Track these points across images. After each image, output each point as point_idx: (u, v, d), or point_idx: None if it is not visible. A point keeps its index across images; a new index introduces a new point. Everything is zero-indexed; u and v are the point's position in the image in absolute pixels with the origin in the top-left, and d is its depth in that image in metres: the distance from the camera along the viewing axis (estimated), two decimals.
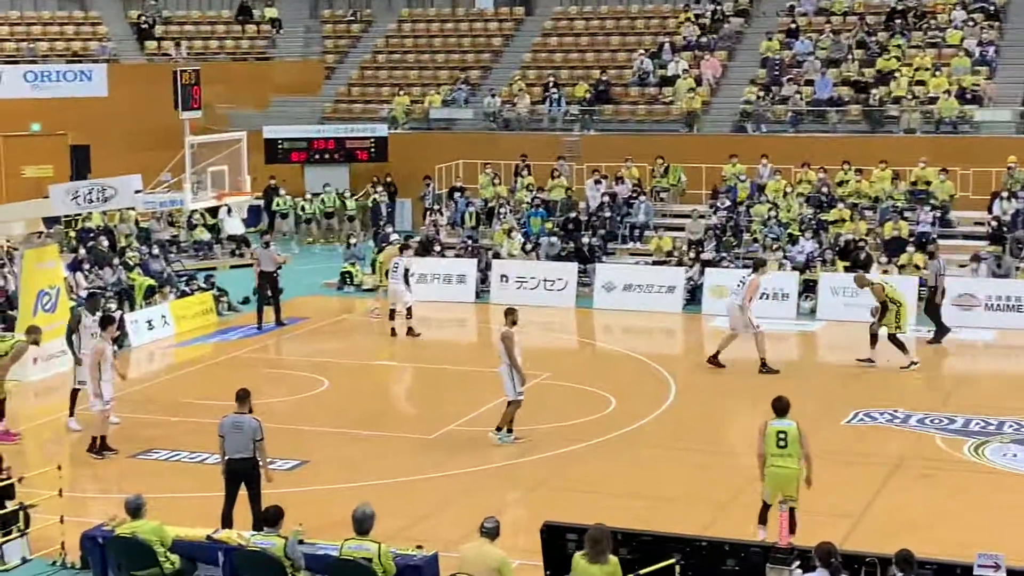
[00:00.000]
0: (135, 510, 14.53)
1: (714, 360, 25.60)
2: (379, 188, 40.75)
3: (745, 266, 32.08)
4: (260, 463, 16.51)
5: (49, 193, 25.52)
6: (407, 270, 29.09)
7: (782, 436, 15.88)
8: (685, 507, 17.82)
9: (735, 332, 25.68)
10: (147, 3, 48.04)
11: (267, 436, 16.54)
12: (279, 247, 38.55)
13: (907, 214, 33.30)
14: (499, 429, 20.86)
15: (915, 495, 18.59)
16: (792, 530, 14.86)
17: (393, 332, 28.76)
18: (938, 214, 33.25)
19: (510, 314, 21.10)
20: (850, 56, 40.55)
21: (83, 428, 21.54)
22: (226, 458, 16.49)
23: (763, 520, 15.66)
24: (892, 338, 25.66)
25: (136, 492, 15.00)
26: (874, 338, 25.83)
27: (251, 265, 30.31)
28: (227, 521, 16.14)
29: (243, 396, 16.78)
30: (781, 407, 16.23)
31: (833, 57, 40.81)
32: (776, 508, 15.44)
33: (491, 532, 13.50)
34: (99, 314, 22.43)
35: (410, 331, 28.66)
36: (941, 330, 27.68)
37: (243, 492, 16.46)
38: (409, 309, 28.84)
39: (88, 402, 20.75)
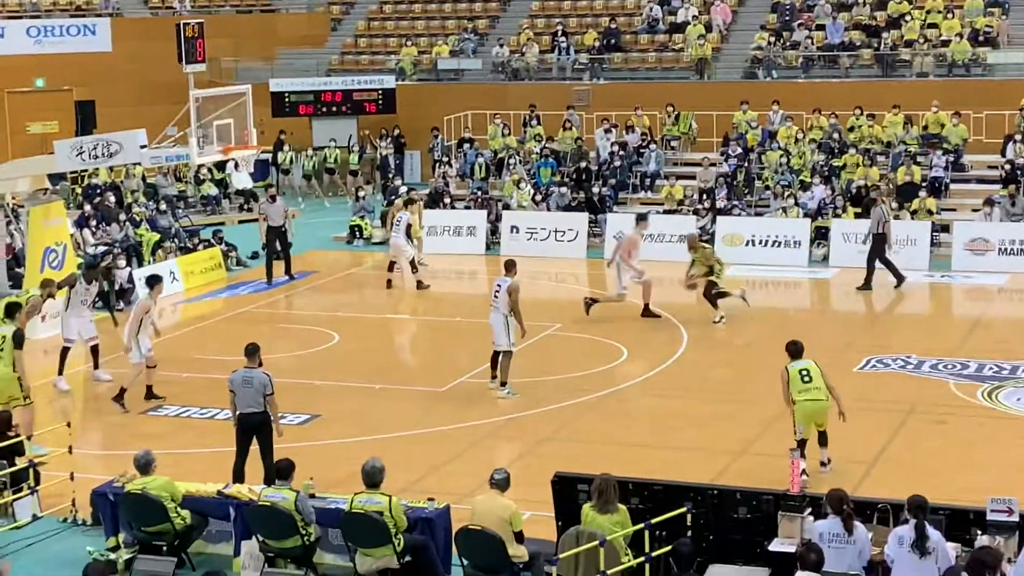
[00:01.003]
0: (144, 466, 14.53)
1: (648, 313, 25.18)
2: (387, 140, 40.52)
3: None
4: (271, 417, 16.43)
5: (54, 149, 25.31)
6: (409, 224, 28.98)
7: (805, 372, 16.89)
8: (696, 456, 17.74)
9: (644, 281, 25.40)
10: None
11: (278, 391, 16.49)
12: (286, 202, 38.58)
13: (920, 159, 33.01)
14: (503, 385, 20.75)
15: (928, 441, 18.49)
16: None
17: (389, 284, 28.68)
18: (951, 158, 32.97)
19: (513, 266, 21.13)
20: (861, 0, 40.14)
21: (67, 388, 21.56)
22: (237, 413, 16.42)
23: (802, 455, 15.67)
24: (707, 293, 25.06)
25: (145, 448, 14.97)
26: (713, 299, 25.03)
27: (259, 220, 30.15)
28: (239, 476, 16.10)
29: (252, 351, 16.70)
30: (796, 350, 17.23)
31: (844, 1, 40.39)
32: (815, 445, 16.72)
33: (501, 483, 13.46)
34: (95, 284, 22.67)
35: (419, 284, 28.54)
36: (896, 275, 27.35)
37: (255, 447, 16.40)
38: (413, 262, 28.70)
39: (128, 354, 20.82)
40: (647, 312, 25.39)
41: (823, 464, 16.93)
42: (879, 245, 27.26)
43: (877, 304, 27.39)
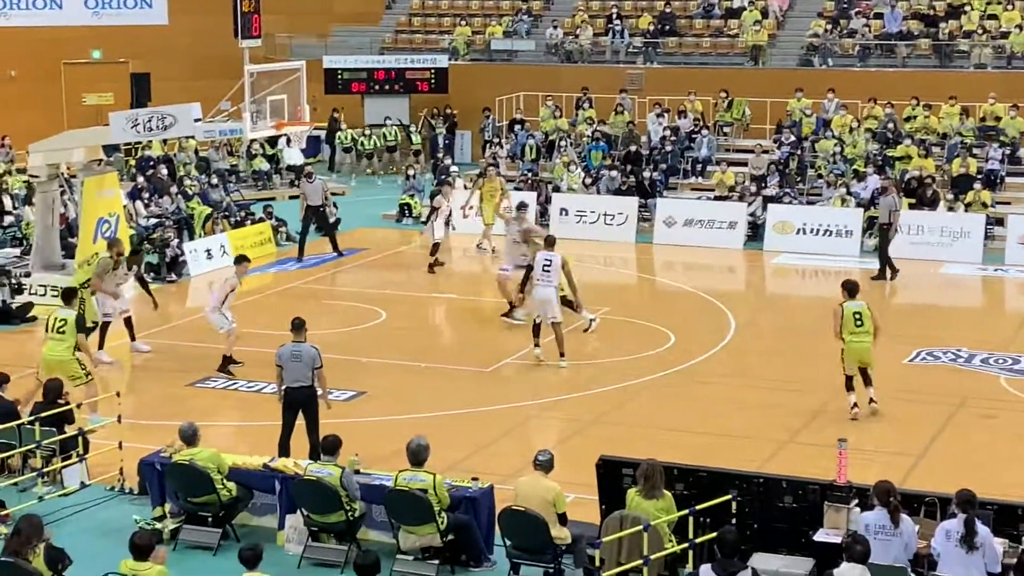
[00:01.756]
0: (190, 437, 14.61)
1: (508, 315, 24.13)
2: (438, 120, 40.51)
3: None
4: (319, 391, 16.47)
5: (109, 121, 25.44)
6: (435, 208, 29.00)
7: (858, 316, 18.54)
8: (743, 443, 17.67)
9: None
10: None
11: (325, 366, 16.51)
12: (342, 179, 38.68)
13: (976, 151, 32.70)
14: (562, 355, 21.02)
15: (977, 435, 18.34)
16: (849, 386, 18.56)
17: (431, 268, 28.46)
18: (1007, 151, 32.64)
19: (554, 241, 21.90)
20: None
21: (113, 360, 21.79)
22: (284, 387, 16.47)
23: (850, 388, 18.68)
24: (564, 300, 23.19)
25: (190, 420, 15.05)
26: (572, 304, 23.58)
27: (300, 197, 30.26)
28: (284, 449, 16.17)
29: (299, 325, 16.75)
30: (853, 288, 18.97)
31: None
32: (861, 387, 18.35)
33: (545, 464, 13.46)
34: (134, 269, 23.05)
35: (430, 267, 28.39)
36: (891, 268, 27.12)
37: (301, 421, 16.45)
38: (435, 246, 28.55)
39: (217, 328, 21.30)
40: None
41: (871, 402, 18.63)
42: (887, 234, 27.10)
43: (928, 296, 27.19)
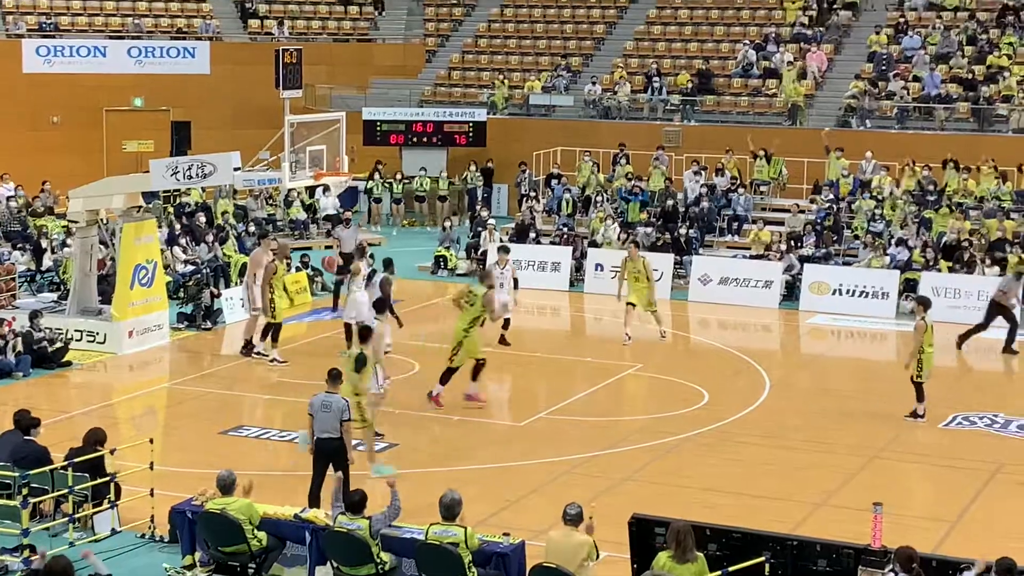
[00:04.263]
0: (228, 486, 14.56)
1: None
2: (476, 172, 40.68)
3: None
4: (346, 444, 16.50)
5: (149, 168, 25.65)
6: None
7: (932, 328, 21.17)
8: (776, 505, 17.53)
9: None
10: None
11: (357, 418, 16.50)
12: (376, 229, 38.79)
13: (1013, 215, 32.55)
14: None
15: (1013, 502, 18.13)
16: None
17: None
18: None
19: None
20: (960, 52, 39.76)
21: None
22: (315, 437, 16.46)
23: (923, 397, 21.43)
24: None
25: (228, 468, 15.02)
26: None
27: (333, 245, 30.36)
28: (314, 500, 16.14)
29: (335, 376, 16.81)
30: (929, 302, 22.00)
31: (942, 53, 40.03)
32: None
33: (575, 519, 13.37)
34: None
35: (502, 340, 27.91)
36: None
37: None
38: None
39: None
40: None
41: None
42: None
43: (965, 361, 26.99)
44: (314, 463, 16.57)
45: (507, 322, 25.95)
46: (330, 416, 16.39)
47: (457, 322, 21.75)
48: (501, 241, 31.90)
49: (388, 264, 25.38)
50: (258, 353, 24.99)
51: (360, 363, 18.24)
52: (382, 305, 22.43)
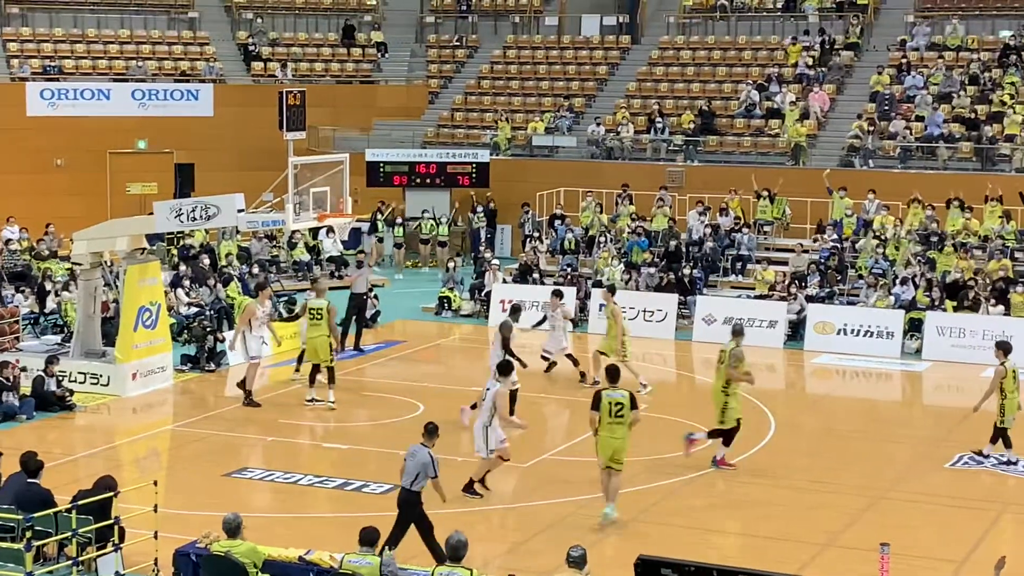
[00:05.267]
0: (234, 529, 14.48)
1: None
2: (479, 213, 40.72)
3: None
4: (439, 494, 16.58)
5: (153, 210, 25.70)
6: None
7: (1015, 373, 21.01)
8: (783, 546, 17.44)
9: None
10: (255, 25, 48.57)
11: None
12: (380, 271, 38.80)
13: (1017, 254, 32.51)
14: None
15: (1021, 543, 18.03)
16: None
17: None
18: None
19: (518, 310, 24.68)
20: (962, 92, 39.86)
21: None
22: (400, 486, 16.43)
23: (1000, 441, 21.43)
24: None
25: (234, 512, 14.94)
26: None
27: (348, 287, 30.30)
28: (392, 542, 15.86)
29: (431, 430, 16.80)
30: (1010, 348, 21.63)
31: (944, 92, 40.13)
32: None
33: (579, 561, 13.30)
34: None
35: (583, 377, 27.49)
36: None
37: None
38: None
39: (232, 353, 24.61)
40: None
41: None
42: None
43: (970, 400, 26.81)
44: (398, 509, 16.47)
45: (573, 360, 27.18)
46: (412, 466, 16.32)
47: (714, 382, 21.04)
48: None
49: (516, 310, 25.08)
50: (313, 400, 24.62)
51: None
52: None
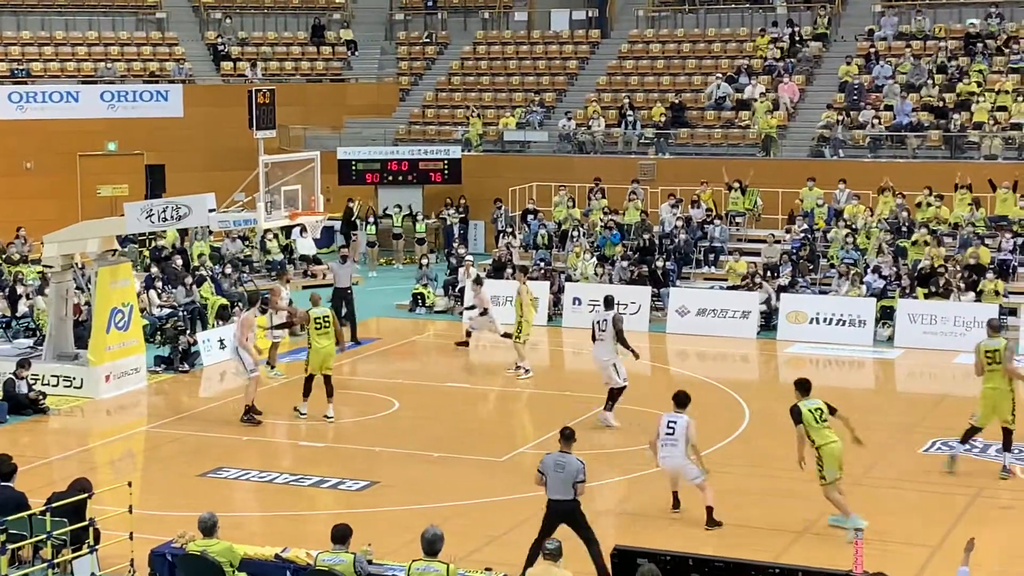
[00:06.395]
0: (209, 528, 14.47)
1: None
2: (451, 210, 40.72)
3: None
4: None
5: (124, 211, 25.62)
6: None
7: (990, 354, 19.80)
8: (759, 533, 17.52)
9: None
10: (223, 25, 48.45)
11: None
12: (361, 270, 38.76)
13: (988, 241, 32.71)
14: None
15: (995, 526, 18.16)
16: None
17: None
18: (1020, 241, 32.65)
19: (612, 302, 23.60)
20: (930, 81, 40.04)
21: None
22: (548, 499, 15.81)
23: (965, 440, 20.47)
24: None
25: (210, 510, 14.93)
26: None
27: (323, 286, 30.25)
28: (532, 557, 15.22)
29: (569, 435, 16.00)
30: (995, 326, 20.53)
31: (913, 82, 40.30)
32: None
33: (554, 553, 13.34)
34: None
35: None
36: None
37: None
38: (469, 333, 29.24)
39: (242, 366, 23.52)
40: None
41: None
42: None
43: (942, 386, 27.07)
44: (544, 519, 15.79)
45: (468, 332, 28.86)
46: (564, 476, 15.67)
47: (991, 383, 20.20)
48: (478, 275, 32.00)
49: (610, 302, 24.04)
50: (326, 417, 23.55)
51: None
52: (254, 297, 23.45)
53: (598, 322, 23.10)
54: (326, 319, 23.56)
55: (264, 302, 26.41)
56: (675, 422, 18.36)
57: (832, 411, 17.73)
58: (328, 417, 23.26)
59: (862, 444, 18.12)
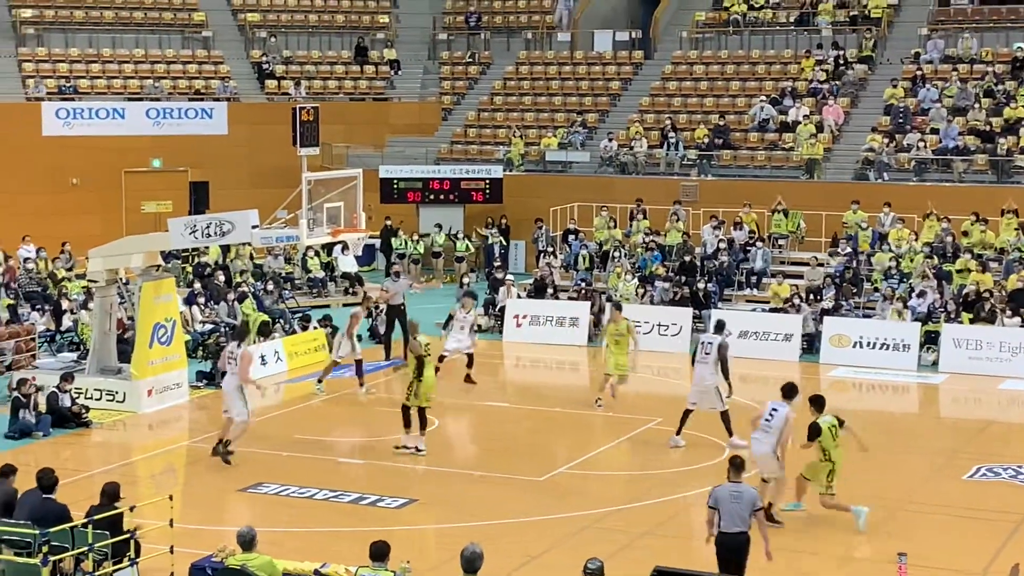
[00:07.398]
0: (248, 542, 14.45)
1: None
2: (493, 229, 40.74)
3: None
4: (762, 536, 15.33)
5: (168, 227, 25.75)
6: (451, 317, 29.15)
7: None
8: (802, 557, 17.37)
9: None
10: (268, 43, 48.70)
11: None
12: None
13: None
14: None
15: None
16: None
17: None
18: None
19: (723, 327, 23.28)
20: (977, 105, 39.80)
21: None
22: (718, 532, 15.21)
23: None
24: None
25: (248, 525, 14.93)
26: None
27: (362, 303, 30.15)
28: None
29: (739, 465, 15.44)
30: None
31: (959, 105, 40.07)
32: None
33: (596, 573, 13.22)
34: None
35: (468, 378, 28.05)
36: None
37: None
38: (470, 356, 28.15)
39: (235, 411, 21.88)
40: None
41: None
42: None
43: (987, 412, 26.82)
44: (719, 560, 15.11)
45: (470, 359, 27.65)
46: (740, 507, 15.13)
47: None
48: (509, 291, 31.98)
49: (720, 327, 23.91)
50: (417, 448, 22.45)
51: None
52: (724, 367, 22.29)
53: (703, 343, 22.79)
54: (427, 347, 22.50)
55: (326, 320, 26.85)
56: (776, 410, 18.65)
57: (841, 423, 18.46)
58: (419, 449, 22.31)
59: (867, 450, 19.00)
